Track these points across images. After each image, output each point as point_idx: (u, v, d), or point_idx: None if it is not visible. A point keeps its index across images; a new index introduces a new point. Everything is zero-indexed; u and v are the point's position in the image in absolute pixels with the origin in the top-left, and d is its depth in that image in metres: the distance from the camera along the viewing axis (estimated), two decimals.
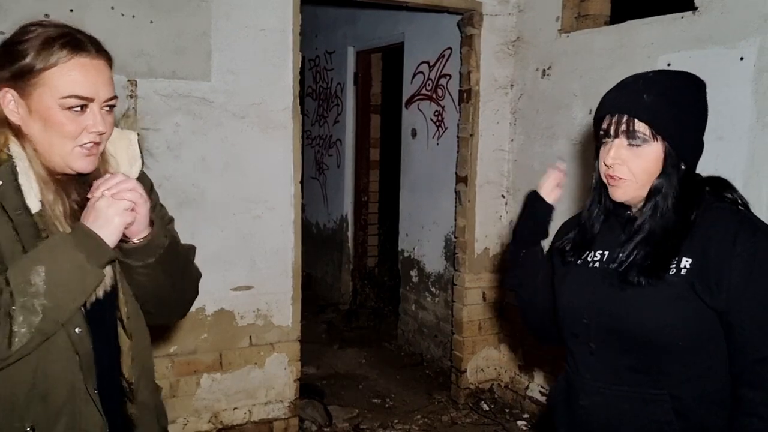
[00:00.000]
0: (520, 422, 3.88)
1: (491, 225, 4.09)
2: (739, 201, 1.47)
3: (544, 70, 3.76)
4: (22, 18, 1.37)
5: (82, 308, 1.32)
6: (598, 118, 1.48)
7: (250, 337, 3.48)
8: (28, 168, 1.32)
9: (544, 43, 3.76)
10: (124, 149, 1.49)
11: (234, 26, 3.25)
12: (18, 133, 1.33)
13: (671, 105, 1.40)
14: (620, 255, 1.47)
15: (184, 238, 1.55)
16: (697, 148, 1.46)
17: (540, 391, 3.87)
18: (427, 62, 4.76)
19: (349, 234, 6.06)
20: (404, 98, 5.11)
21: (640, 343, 1.42)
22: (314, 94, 6.58)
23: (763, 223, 1.40)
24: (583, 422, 1.55)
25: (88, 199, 1.33)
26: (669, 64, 2.97)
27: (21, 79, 1.30)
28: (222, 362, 3.43)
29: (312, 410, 3.86)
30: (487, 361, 4.20)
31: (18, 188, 1.30)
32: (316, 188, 6.54)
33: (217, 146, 3.29)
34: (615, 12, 3.61)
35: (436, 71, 4.67)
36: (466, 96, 3.99)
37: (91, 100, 1.33)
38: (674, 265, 1.39)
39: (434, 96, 4.71)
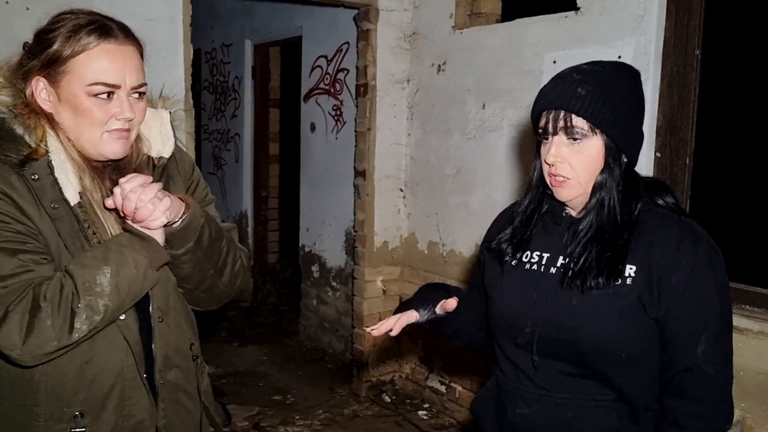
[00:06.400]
0: (420, 412, 3.94)
1: (390, 218, 4.13)
2: (677, 206, 1.43)
3: (439, 66, 3.82)
4: None
5: None
6: (536, 115, 1.41)
7: None
8: (65, 160, 1.32)
9: (439, 39, 3.82)
10: (157, 129, 1.50)
11: (118, 15, 3.03)
12: (52, 122, 1.33)
13: (607, 97, 1.33)
14: (569, 257, 1.40)
15: None
16: (637, 139, 1.41)
17: (440, 381, 3.94)
18: (325, 56, 4.74)
19: (249, 230, 5.95)
20: (303, 92, 5.06)
21: (585, 353, 1.36)
22: (211, 87, 6.40)
23: (705, 233, 1.37)
24: None
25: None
26: (555, 62, 3.10)
27: (50, 67, 1.31)
28: None
29: None
30: (387, 353, 4.24)
31: (55, 182, 1.30)
32: (214, 184, 6.36)
33: None
34: (506, 10, 3.72)
35: (334, 65, 4.66)
36: (363, 90, 4.00)
37: (118, 87, 1.33)
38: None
39: (332, 90, 4.70)
